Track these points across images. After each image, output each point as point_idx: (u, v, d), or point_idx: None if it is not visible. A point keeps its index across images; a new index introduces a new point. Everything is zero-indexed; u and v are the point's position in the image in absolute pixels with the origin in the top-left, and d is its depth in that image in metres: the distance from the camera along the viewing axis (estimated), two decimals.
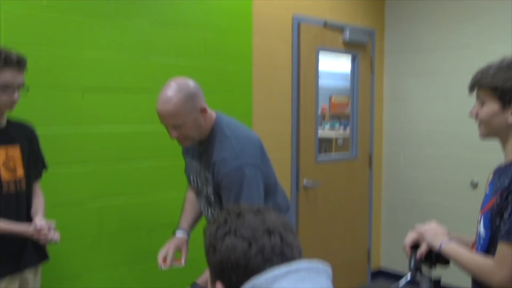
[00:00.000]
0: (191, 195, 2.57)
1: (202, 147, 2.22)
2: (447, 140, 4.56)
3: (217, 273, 1.05)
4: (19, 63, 2.22)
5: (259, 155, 2.18)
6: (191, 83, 2.14)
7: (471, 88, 1.75)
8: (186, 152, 2.41)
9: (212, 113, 2.20)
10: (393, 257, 5.03)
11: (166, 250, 2.36)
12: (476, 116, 1.75)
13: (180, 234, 2.41)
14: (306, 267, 0.98)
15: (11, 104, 2.26)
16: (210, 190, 2.22)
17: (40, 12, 2.78)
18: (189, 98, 2.08)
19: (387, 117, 5.04)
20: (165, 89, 2.11)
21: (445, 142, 4.58)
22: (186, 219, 2.48)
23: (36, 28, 2.78)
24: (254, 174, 2.12)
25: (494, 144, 1.78)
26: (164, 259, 2.33)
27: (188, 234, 2.44)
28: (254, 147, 2.18)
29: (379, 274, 5.11)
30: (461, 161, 4.46)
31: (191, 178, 2.37)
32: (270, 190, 2.28)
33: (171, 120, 2.08)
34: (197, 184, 2.33)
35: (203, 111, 2.13)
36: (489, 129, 1.73)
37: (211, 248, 1.05)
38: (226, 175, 2.09)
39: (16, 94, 2.23)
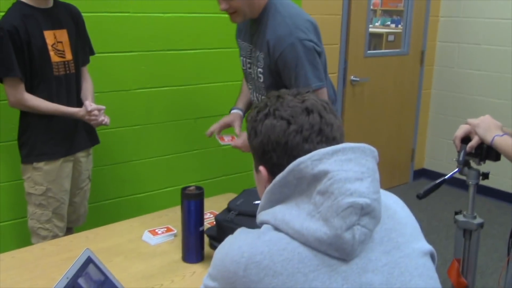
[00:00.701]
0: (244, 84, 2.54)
1: (254, 26, 2.13)
2: (505, 37, 4.30)
3: (259, 155, 1.05)
4: None
5: (314, 33, 2.07)
6: None
7: None
8: (239, 35, 2.33)
9: None
10: (437, 157, 4.98)
11: (224, 123, 2.37)
12: None
13: (234, 111, 2.41)
14: (352, 147, 0.96)
15: None
16: (259, 71, 2.17)
17: None
18: None
19: (443, 12, 4.76)
20: None
21: (503, 39, 4.32)
22: (241, 100, 2.46)
23: None
24: (311, 48, 2.03)
25: None
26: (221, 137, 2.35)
27: (243, 112, 2.42)
28: (309, 24, 2.07)
29: (422, 173, 5.11)
30: None
31: (242, 60, 2.32)
32: (326, 70, 2.23)
33: None
34: (247, 66, 2.29)
35: None
36: None
37: (252, 131, 1.06)
38: (282, 53, 2.01)
39: None
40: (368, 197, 0.91)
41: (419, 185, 4.95)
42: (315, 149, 0.97)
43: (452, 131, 1.89)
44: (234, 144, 2.25)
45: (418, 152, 5.04)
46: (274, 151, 1.01)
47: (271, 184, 0.99)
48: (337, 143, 1.00)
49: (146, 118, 3.14)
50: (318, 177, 0.93)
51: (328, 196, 0.91)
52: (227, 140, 2.30)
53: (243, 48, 2.28)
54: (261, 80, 2.18)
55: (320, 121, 1.00)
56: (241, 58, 2.31)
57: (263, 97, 2.20)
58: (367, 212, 0.91)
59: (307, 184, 0.94)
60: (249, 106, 2.44)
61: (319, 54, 2.09)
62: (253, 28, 2.16)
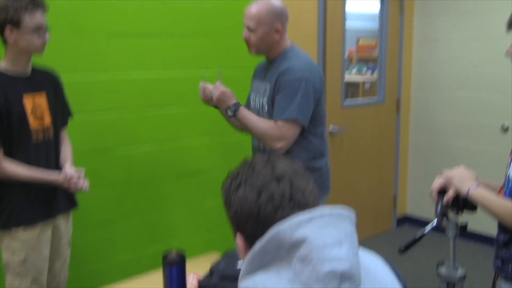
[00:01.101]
0: None
1: (271, 65, 2.50)
2: (477, 83, 4.43)
3: (235, 225, 1.07)
4: (44, 4, 2.26)
5: (321, 80, 2.45)
6: (282, 5, 2.46)
7: (510, 25, 1.68)
8: (254, 77, 2.70)
9: (288, 41, 2.50)
10: (420, 203, 5.01)
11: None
12: None
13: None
14: (329, 213, 0.98)
15: (43, 46, 2.29)
16: (265, 100, 2.50)
17: None
18: (272, 13, 2.40)
19: (416, 60, 4.90)
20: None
21: (475, 85, 4.45)
22: None
23: None
24: (312, 89, 2.38)
25: None
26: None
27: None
28: (319, 72, 2.48)
29: (405, 220, 5.12)
30: (492, 104, 4.34)
31: (251, 95, 2.65)
32: (322, 119, 2.54)
33: (247, 21, 2.41)
34: (255, 100, 2.59)
35: (277, 31, 2.42)
36: None
37: (227, 202, 1.08)
38: (287, 80, 2.36)
39: (47, 35, 2.28)
40: (347, 262, 0.92)
41: (403, 232, 4.96)
42: (288, 216, 0.98)
43: (432, 176, 1.92)
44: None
45: (400, 199, 5.07)
46: (248, 222, 1.02)
47: (251, 252, 0.99)
48: (309, 207, 1.02)
49: (126, 177, 3.13)
50: (297, 244, 0.94)
51: (307, 263, 0.91)
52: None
53: (254, 86, 2.64)
54: (265, 110, 2.49)
55: (291, 188, 1.02)
56: (251, 93, 2.67)
57: None
58: (347, 277, 0.92)
59: (287, 251, 0.95)
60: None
61: (317, 101, 2.43)
62: (268, 68, 2.54)
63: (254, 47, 2.45)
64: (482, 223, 4.17)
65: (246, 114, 2.44)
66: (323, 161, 2.62)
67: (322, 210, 0.98)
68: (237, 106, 2.42)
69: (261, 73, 2.61)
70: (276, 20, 2.41)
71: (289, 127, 2.38)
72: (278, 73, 2.40)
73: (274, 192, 1.01)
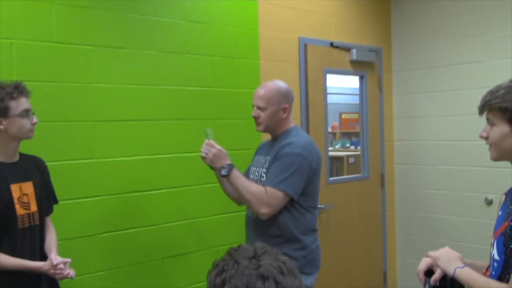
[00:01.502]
0: None
1: (274, 142, 2.69)
2: (459, 157, 4.52)
3: None
4: (27, 90, 2.34)
5: (318, 161, 2.63)
6: (288, 87, 2.72)
7: (481, 110, 1.74)
8: (256, 152, 2.90)
9: (292, 121, 2.72)
10: (410, 277, 4.95)
11: None
12: (487, 138, 1.74)
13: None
14: None
15: (32, 129, 2.34)
16: (263, 171, 2.65)
17: (50, 47, 2.82)
18: (280, 93, 2.64)
19: (397, 135, 5.02)
20: (269, 81, 2.73)
21: (457, 159, 4.54)
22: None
23: (46, 62, 2.81)
24: (306, 169, 2.54)
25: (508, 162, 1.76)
26: None
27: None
28: (318, 153, 2.64)
29: None
30: (475, 178, 4.41)
31: (250, 169, 2.81)
32: (314, 198, 2.68)
33: (257, 101, 2.64)
34: (254, 173, 2.74)
35: (285, 110, 2.65)
36: (500, 152, 1.72)
37: None
38: (286, 153, 2.53)
39: (35, 118, 2.35)
40: None
41: None
42: None
43: (421, 250, 1.93)
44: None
45: (389, 274, 5.01)
46: None
47: None
48: None
49: (111, 262, 3.07)
50: None
51: None
52: None
53: (255, 161, 2.82)
54: (263, 179, 2.62)
55: None
56: (250, 167, 2.82)
57: None
58: None
59: None
60: None
61: (311, 177, 2.58)
62: (271, 144, 2.73)
63: (263, 125, 2.66)
64: None
65: (239, 176, 2.54)
66: (314, 237, 2.68)
67: None
68: (231, 166, 2.53)
69: (264, 149, 2.81)
70: (284, 100, 2.65)
71: (276, 196, 2.48)
72: (280, 146, 2.59)
73: None
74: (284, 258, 1.08)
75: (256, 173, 2.73)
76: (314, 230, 2.69)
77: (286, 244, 2.56)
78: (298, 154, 2.53)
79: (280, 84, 2.70)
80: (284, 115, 2.66)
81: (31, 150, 2.50)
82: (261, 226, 2.62)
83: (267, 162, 2.66)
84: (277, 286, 1.00)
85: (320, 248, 2.74)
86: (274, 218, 2.56)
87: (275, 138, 2.73)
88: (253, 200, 2.50)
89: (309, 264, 2.64)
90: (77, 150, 2.94)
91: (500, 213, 1.72)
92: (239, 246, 1.12)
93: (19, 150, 2.40)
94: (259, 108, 2.65)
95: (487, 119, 1.74)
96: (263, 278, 1.01)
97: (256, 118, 2.68)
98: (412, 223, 4.91)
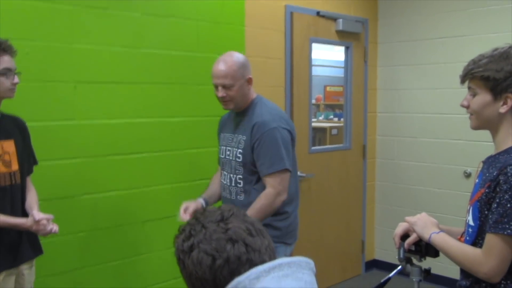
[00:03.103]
0: (217, 177, 2.86)
1: (240, 117, 2.58)
2: (440, 129, 4.57)
3: (191, 286, 1.04)
4: (11, 49, 2.29)
5: (293, 129, 2.57)
6: (243, 56, 2.57)
7: (463, 78, 1.75)
8: (221, 130, 2.77)
9: (253, 91, 2.59)
10: (388, 247, 5.05)
11: (187, 205, 2.58)
12: (468, 107, 1.75)
13: (200, 200, 2.70)
14: (288, 262, 0.97)
15: (13, 89, 2.29)
16: (239, 151, 2.55)
17: (32, 5, 2.76)
18: (242, 66, 2.50)
19: (380, 107, 5.04)
20: (223, 55, 2.53)
21: (438, 132, 4.59)
22: (207, 193, 2.79)
23: (28, 22, 2.76)
24: (287, 137, 2.51)
25: (487, 135, 1.78)
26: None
27: (206, 202, 2.69)
28: (289, 120, 2.60)
29: (373, 264, 5.14)
30: (455, 150, 4.47)
31: (221, 149, 2.70)
32: (294, 168, 2.64)
33: (222, 80, 2.46)
34: (226, 153, 2.65)
35: (249, 81, 2.52)
36: (480, 120, 1.74)
37: (180, 262, 1.05)
38: (263, 134, 2.44)
39: (16, 78, 2.30)
40: None
41: (371, 276, 4.96)
42: None
43: (399, 220, 1.96)
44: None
45: (368, 244, 5.09)
46: (203, 286, 1.00)
47: None
48: None
49: (91, 224, 3.08)
50: None
51: None
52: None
53: (223, 139, 2.70)
54: (240, 160, 2.55)
55: (246, 250, 0.99)
56: (221, 147, 2.72)
57: (238, 176, 2.59)
58: None
59: None
60: (215, 198, 2.77)
61: (292, 149, 2.56)
62: (237, 120, 2.61)
63: (233, 103, 2.52)
64: (446, 267, 4.22)
65: None
66: (292, 207, 2.65)
67: (281, 260, 0.98)
68: None
69: (229, 125, 2.68)
70: (246, 70, 2.52)
71: (281, 178, 2.47)
72: (252, 125, 2.48)
73: (229, 255, 0.98)
74: (252, 219, 1.07)
75: (231, 154, 2.62)
76: (292, 200, 2.66)
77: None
78: (275, 128, 2.47)
79: (237, 55, 2.55)
80: (250, 86, 2.55)
81: (11, 110, 2.46)
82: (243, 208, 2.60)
83: (242, 142, 2.54)
84: (247, 248, 1.00)
85: (298, 219, 2.74)
86: (255, 195, 2.52)
87: (239, 113, 2.60)
88: (270, 206, 2.49)
89: (289, 234, 2.65)
90: (58, 111, 2.90)
91: (477, 180, 1.75)
92: (204, 210, 1.10)
93: (0, 109, 2.37)
94: (224, 87, 2.47)
95: (469, 88, 1.75)
96: (232, 241, 1.00)
97: (222, 98, 2.51)
98: (391, 194, 4.98)
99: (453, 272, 4.23)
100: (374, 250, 5.19)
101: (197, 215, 1.08)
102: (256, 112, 2.52)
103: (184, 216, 2.51)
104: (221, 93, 2.49)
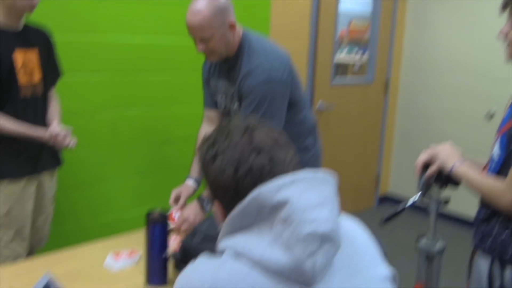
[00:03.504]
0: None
1: (228, 63, 2.18)
2: (466, 69, 4.46)
3: (212, 193, 1.06)
4: None
5: (287, 70, 2.14)
6: None
7: (504, 6, 1.67)
8: (209, 75, 2.34)
9: (239, 29, 2.15)
10: (402, 183, 5.08)
11: (177, 194, 2.31)
12: (506, 36, 1.69)
13: (187, 181, 2.38)
14: (312, 176, 0.97)
15: (31, 7, 2.24)
16: (236, 107, 2.23)
17: None
18: (219, 12, 2.03)
19: (407, 43, 4.91)
20: (195, 1, 2.05)
21: (464, 71, 4.48)
22: (196, 167, 2.39)
23: None
24: (280, 90, 2.12)
25: None
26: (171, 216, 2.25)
27: (198, 182, 2.38)
28: (282, 61, 2.14)
29: (386, 198, 5.19)
30: (480, 90, 4.38)
31: (219, 99, 2.32)
32: (300, 104, 2.29)
33: (199, 33, 2.04)
34: (225, 104, 2.30)
35: (232, 27, 2.09)
36: None
37: (203, 170, 1.05)
38: (251, 87, 2.08)
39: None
40: (328, 225, 0.93)
41: (384, 210, 5.00)
42: None
43: (416, 157, 1.94)
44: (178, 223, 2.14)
45: (382, 178, 5.12)
46: (225, 194, 1.01)
47: (232, 213, 0.99)
48: None
49: (111, 140, 3.12)
50: (278, 206, 0.93)
51: (288, 224, 0.91)
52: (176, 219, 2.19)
53: (219, 86, 2.29)
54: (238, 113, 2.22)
55: (270, 161, 0.99)
56: (217, 96, 2.31)
57: None
58: (327, 240, 0.92)
59: (268, 213, 0.95)
60: None
61: (292, 90, 2.17)
62: (226, 65, 2.20)
63: (217, 54, 2.11)
64: (462, 206, 4.25)
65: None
66: (311, 140, 2.47)
67: (305, 173, 0.98)
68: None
69: (219, 71, 2.29)
70: (226, 15, 2.07)
71: None
72: (241, 76, 2.12)
73: (252, 165, 0.98)
74: (277, 132, 1.07)
75: (231, 109, 2.28)
76: (313, 132, 2.48)
77: None
78: (265, 81, 2.08)
79: None
80: (233, 32, 2.11)
81: (35, 19, 2.43)
82: None
83: (235, 96, 2.21)
84: (270, 160, 1.00)
85: (319, 153, 2.55)
86: None
87: (227, 58, 2.18)
88: None
89: (311, 167, 2.53)
90: (81, 24, 2.87)
91: (507, 114, 1.71)
92: (229, 120, 1.10)
93: (24, 21, 2.34)
94: (203, 40, 2.05)
95: (510, 16, 1.67)
96: (256, 151, 0.99)
97: (205, 52, 2.10)
98: (411, 130, 4.95)
99: (469, 210, 4.27)
100: (389, 185, 5.22)
101: (222, 125, 1.08)
102: (244, 61, 2.13)
103: (175, 208, 2.26)
104: (200, 47, 2.07)
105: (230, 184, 0.99)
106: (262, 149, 0.99)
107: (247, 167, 0.98)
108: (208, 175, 1.04)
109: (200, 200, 2.20)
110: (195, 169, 2.40)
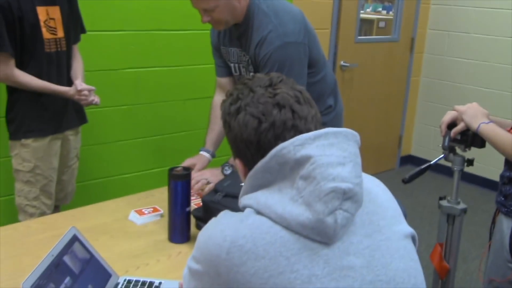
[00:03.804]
0: (217, 106, 2.28)
1: (238, 30, 2.05)
2: (495, 26, 4.32)
3: (234, 149, 1.05)
4: None
5: (303, 30, 2.01)
6: None
7: None
8: (219, 43, 2.21)
9: None
10: (424, 144, 5.02)
11: (194, 161, 2.23)
12: None
13: (202, 153, 2.30)
14: (334, 132, 0.96)
15: None
16: (251, 75, 2.11)
17: None
18: None
19: (434, 1, 4.77)
20: None
21: (492, 29, 4.34)
22: (210, 137, 2.33)
23: None
24: (297, 52, 2.01)
25: None
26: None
27: (212, 153, 2.30)
28: (296, 22, 2.01)
29: (408, 159, 5.15)
30: (507, 49, 4.26)
31: (233, 67, 2.22)
32: (319, 64, 2.18)
33: (202, 4, 1.91)
34: (240, 71, 2.21)
35: None
36: None
37: (226, 125, 1.05)
38: (268, 55, 1.96)
39: None
40: (350, 182, 0.92)
41: (406, 171, 4.96)
42: None
43: (440, 118, 1.91)
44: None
45: (405, 139, 5.07)
46: (248, 148, 1.01)
47: (253, 170, 0.99)
48: None
49: (134, 98, 3.13)
50: (300, 162, 0.93)
51: (310, 181, 0.91)
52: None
53: (232, 54, 2.18)
54: None
55: (293, 116, 0.99)
56: (232, 65, 2.20)
57: None
58: (349, 197, 0.92)
59: (290, 169, 0.94)
60: (220, 140, 2.33)
61: (309, 50, 2.05)
62: (237, 32, 2.07)
63: (223, 24, 1.99)
64: (485, 167, 4.21)
65: None
66: (333, 99, 2.37)
67: (328, 130, 0.97)
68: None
69: (229, 38, 2.15)
70: None
71: None
72: (254, 44, 2.00)
73: (275, 120, 0.98)
74: (301, 87, 1.06)
75: (244, 71, 2.19)
76: (335, 90, 2.38)
77: None
78: (280, 47, 1.95)
79: None
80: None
81: None
82: None
83: (250, 64, 2.10)
84: (293, 115, 0.99)
85: (342, 111, 2.45)
86: None
87: (236, 24, 2.04)
88: None
89: (334, 126, 2.43)
90: None
91: None
92: (253, 76, 1.09)
93: None
94: (207, 11, 1.93)
95: None
96: (279, 106, 0.99)
97: (210, 23, 2.00)
98: (436, 91, 4.86)
99: (491, 173, 4.23)
100: (411, 146, 5.17)
101: (245, 80, 1.08)
102: (255, 26, 1.99)
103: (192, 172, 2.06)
104: (204, 18, 1.95)
105: (253, 138, 0.99)
106: (285, 104, 0.99)
107: (270, 120, 0.98)
108: (230, 130, 1.03)
109: (222, 166, 2.17)
110: (210, 141, 2.31)
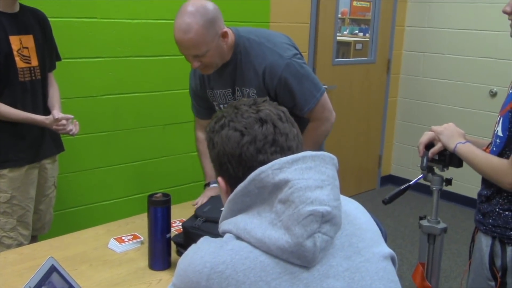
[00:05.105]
0: (204, 147, 2.13)
1: (227, 69, 2.04)
2: (469, 46, 4.42)
3: (217, 167, 1.07)
4: None
5: (294, 44, 2.10)
6: (209, 5, 1.87)
7: None
8: (206, 88, 2.19)
9: (230, 32, 1.98)
10: (404, 163, 5.07)
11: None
12: (510, 13, 1.67)
13: (214, 185, 2.24)
14: (312, 155, 0.98)
15: None
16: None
17: None
18: (210, 24, 1.85)
19: (409, 21, 4.87)
20: (182, 15, 1.85)
21: (467, 49, 4.44)
22: (210, 167, 2.24)
23: None
24: (301, 62, 2.06)
25: None
26: None
27: None
28: (286, 38, 2.10)
29: (388, 179, 5.19)
30: (482, 69, 4.35)
31: (218, 107, 2.19)
32: None
33: (192, 50, 1.87)
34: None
35: (225, 35, 1.92)
36: None
37: (210, 143, 1.07)
38: (282, 78, 1.98)
39: None
40: (328, 205, 0.93)
41: (386, 191, 4.99)
42: (269, 160, 0.98)
43: (418, 138, 1.93)
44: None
45: (385, 159, 5.12)
46: (230, 163, 1.02)
47: (232, 194, 1.00)
48: (293, 152, 1.01)
49: (113, 125, 3.11)
50: (279, 186, 0.94)
51: (289, 204, 0.92)
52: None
53: (219, 96, 2.15)
54: None
55: (274, 131, 1.01)
56: (217, 105, 2.18)
57: None
58: (327, 220, 0.92)
59: (268, 193, 0.95)
60: None
61: (304, 59, 2.15)
62: (223, 72, 2.06)
63: (213, 67, 1.98)
64: (464, 186, 4.25)
65: None
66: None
67: (305, 153, 0.98)
68: None
69: (214, 80, 2.13)
70: (218, 24, 1.89)
71: (324, 101, 2.19)
72: (261, 74, 2.00)
73: (257, 134, 1.00)
74: (284, 108, 1.09)
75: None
76: None
77: None
78: (287, 64, 1.97)
79: (202, 10, 1.84)
80: (226, 39, 1.94)
81: (32, 3, 2.41)
82: None
83: (252, 95, 2.06)
84: (275, 129, 1.01)
85: None
86: None
87: (224, 65, 2.03)
88: (324, 131, 2.43)
89: None
90: (78, 8, 2.84)
91: (510, 91, 1.70)
92: (238, 100, 1.14)
93: (20, 1, 2.31)
94: (197, 57, 1.89)
95: None
96: (262, 121, 1.02)
97: (200, 68, 1.97)
98: (413, 110, 4.93)
99: (469, 191, 4.27)
100: (391, 166, 5.22)
101: (231, 102, 1.11)
102: (253, 57, 2.00)
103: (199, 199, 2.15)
104: (195, 64, 1.92)
105: (235, 151, 1.00)
106: (267, 119, 1.02)
107: (252, 134, 1.00)
108: (214, 147, 1.05)
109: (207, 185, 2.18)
110: (211, 171, 2.22)
